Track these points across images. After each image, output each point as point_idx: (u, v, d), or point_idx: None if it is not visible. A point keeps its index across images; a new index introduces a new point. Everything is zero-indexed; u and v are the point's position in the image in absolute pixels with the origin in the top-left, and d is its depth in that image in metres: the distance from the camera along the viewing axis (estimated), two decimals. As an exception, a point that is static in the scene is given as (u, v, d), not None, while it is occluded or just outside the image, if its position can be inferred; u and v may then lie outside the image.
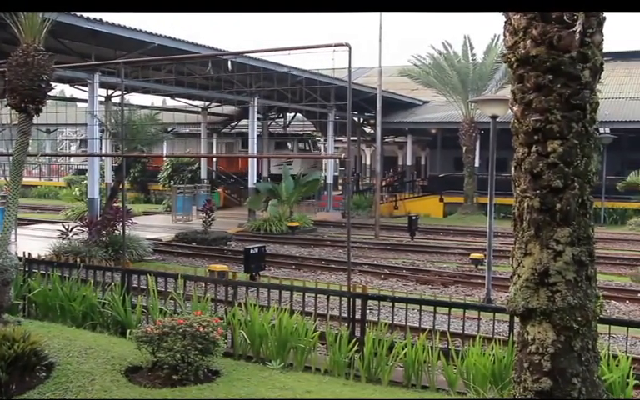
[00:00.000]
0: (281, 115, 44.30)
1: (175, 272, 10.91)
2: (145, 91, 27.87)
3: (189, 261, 20.83)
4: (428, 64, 36.79)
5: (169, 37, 21.00)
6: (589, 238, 5.45)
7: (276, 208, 29.89)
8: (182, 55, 20.30)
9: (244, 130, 40.88)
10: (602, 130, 33.10)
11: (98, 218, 20.49)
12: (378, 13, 28.77)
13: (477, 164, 36.82)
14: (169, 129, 46.30)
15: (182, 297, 10.03)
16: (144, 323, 9.51)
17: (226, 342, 8.82)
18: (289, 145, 43.25)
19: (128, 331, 9.15)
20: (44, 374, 7.52)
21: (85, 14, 17.96)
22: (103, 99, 27.26)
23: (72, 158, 57.59)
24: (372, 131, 38.82)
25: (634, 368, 7.89)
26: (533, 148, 5.31)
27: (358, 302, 9.13)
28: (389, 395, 7.88)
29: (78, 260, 11.61)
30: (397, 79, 40.52)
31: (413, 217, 27.17)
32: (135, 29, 19.98)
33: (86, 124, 21.81)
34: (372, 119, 36.68)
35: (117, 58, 19.41)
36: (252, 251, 16.73)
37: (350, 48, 8.49)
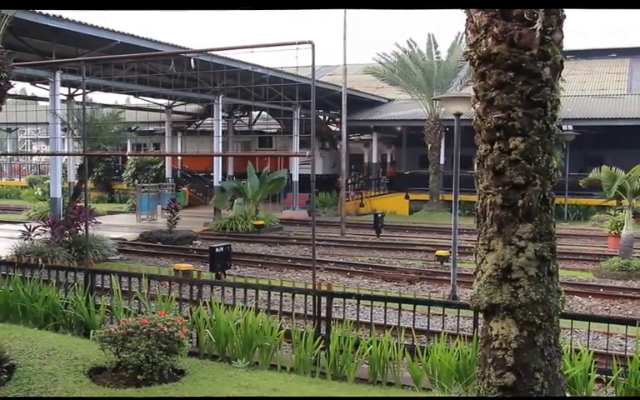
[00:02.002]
0: (246, 113, 44.13)
1: (139, 271, 10.80)
2: (107, 89, 27.47)
3: (154, 260, 20.67)
4: (393, 62, 36.95)
5: (131, 35, 20.77)
6: (551, 234, 5.49)
7: (241, 207, 29.79)
8: (145, 53, 20.10)
9: (209, 128, 40.72)
10: (564, 127, 33.67)
11: (61, 218, 20.21)
12: (343, 11, 28.81)
13: (442, 162, 37.13)
14: (133, 128, 45.85)
15: (147, 297, 9.93)
16: (108, 324, 9.39)
17: (191, 342, 8.76)
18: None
19: (92, 331, 9.05)
20: (5, 376, 7.38)
21: (45, 11, 17.67)
22: (65, 98, 26.87)
23: (34, 158, 56.72)
24: (338, 129, 38.85)
25: (596, 362, 8.00)
26: (495, 145, 5.32)
27: (324, 300, 9.12)
28: (355, 393, 7.90)
29: (40, 260, 11.42)
30: (362, 77, 40.63)
31: (379, 215, 27.29)
32: (97, 27, 19.72)
33: (47, 123, 21.44)
34: (338, 117, 36.73)
35: (78, 56, 19.12)
36: (217, 250, 16.63)
37: (313, 46, 8.46)
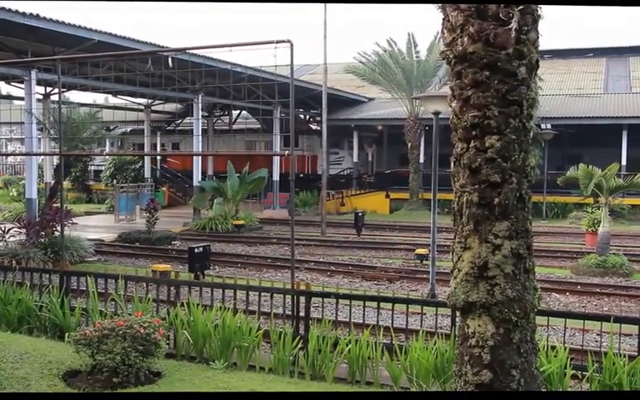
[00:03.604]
0: (226, 112, 43.97)
1: (116, 272, 10.70)
2: (84, 88, 27.24)
3: (132, 261, 20.50)
4: (373, 61, 36.98)
5: (109, 33, 20.60)
6: (527, 232, 5.52)
7: (221, 207, 29.67)
8: (122, 51, 19.95)
9: (189, 128, 40.55)
10: (543, 126, 33.91)
11: (37, 219, 19.98)
12: (323, 11, 28.77)
13: (422, 160, 37.21)
14: (112, 127, 45.54)
15: (123, 299, 9.83)
16: (84, 326, 9.28)
17: (168, 343, 8.70)
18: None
19: (67, 334, 8.93)
20: (-24, 381, 7.27)
21: (21, 9, 17.47)
22: (42, 97, 26.61)
23: (9, 158, 56.10)
24: (319, 128, 38.85)
25: (572, 359, 8.04)
26: (472, 144, 5.35)
27: (302, 299, 9.09)
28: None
29: (14, 262, 11.27)
30: (342, 76, 40.63)
31: (359, 214, 27.30)
32: (74, 25, 19.53)
33: (23, 122, 21.21)
34: (318, 116, 36.73)
35: (55, 55, 18.94)
36: (196, 250, 16.53)
37: (292, 45, 8.44)
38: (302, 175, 40.51)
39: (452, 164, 5.60)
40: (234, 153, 40.09)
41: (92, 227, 28.23)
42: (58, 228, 17.95)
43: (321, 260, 20.74)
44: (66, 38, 19.99)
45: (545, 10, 5.43)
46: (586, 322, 9.22)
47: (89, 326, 8.72)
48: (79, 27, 19.75)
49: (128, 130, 47.83)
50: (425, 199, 34.98)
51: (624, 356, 7.49)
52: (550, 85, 39.31)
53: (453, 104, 5.52)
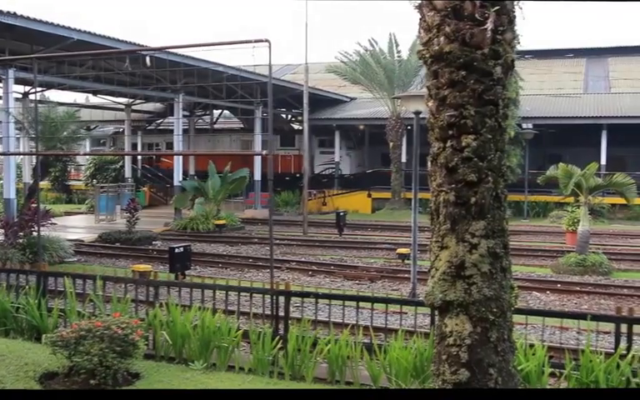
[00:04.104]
0: (207, 112, 43.84)
1: (94, 273, 10.61)
2: (63, 87, 27.05)
3: (113, 262, 20.39)
4: (355, 61, 37.06)
5: (88, 32, 20.47)
6: (503, 231, 5.53)
7: (202, 207, 29.57)
8: (102, 50, 19.81)
9: (171, 127, 40.40)
10: (524, 126, 34.13)
11: (15, 220, 19.79)
12: (305, 10, 28.75)
13: (403, 160, 37.30)
14: (92, 127, 45.24)
15: (102, 299, 9.75)
16: (61, 327, 9.19)
17: (147, 344, 8.63)
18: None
19: (44, 336, 8.84)
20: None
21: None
22: (21, 96, 26.38)
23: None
24: (301, 127, 38.84)
25: (551, 357, 8.09)
26: (448, 143, 5.35)
27: (281, 299, 9.07)
28: (313, 392, 7.85)
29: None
30: (324, 76, 40.65)
31: (341, 214, 27.32)
32: (52, 23, 19.39)
33: (0, 122, 21.01)
34: (300, 116, 36.73)
35: (34, 53, 18.78)
36: (176, 250, 16.47)
37: (270, 44, 8.42)
38: (297, 175, 40.67)
39: (429, 164, 5.60)
40: (216, 153, 39.92)
41: (72, 227, 28.05)
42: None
43: (302, 260, 20.72)
44: (44, 37, 19.85)
45: (526, 11, 5.46)
46: (564, 320, 9.27)
47: (67, 327, 8.64)
48: (58, 25, 19.60)
49: (121, 129, 47.53)
50: (407, 198, 35.11)
51: (601, 353, 7.54)
52: (531, 85, 39.55)
53: (430, 104, 5.52)
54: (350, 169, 42.14)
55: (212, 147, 42.27)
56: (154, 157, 43.66)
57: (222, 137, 44.10)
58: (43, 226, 17.57)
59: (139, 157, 43.77)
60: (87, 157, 43.07)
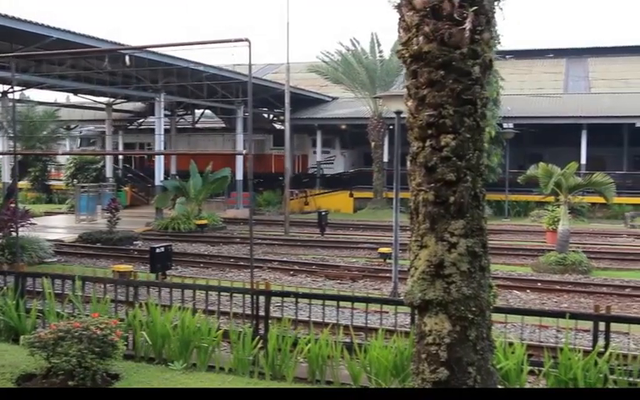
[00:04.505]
0: (189, 111, 43.69)
1: (73, 273, 10.53)
2: (43, 86, 26.82)
3: (93, 262, 20.26)
4: (337, 61, 37.08)
5: (68, 31, 20.30)
6: (482, 230, 5.54)
7: (184, 206, 29.45)
8: (81, 49, 19.65)
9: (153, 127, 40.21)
10: (505, 125, 34.35)
11: (-6, 220, 19.59)
12: (286, 9, 28.74)
13: (385, 159, 37.38)
14: (73, 126, 44.90)
15: (81, 300, 9.68)
16: (40, 328, 9.12)
17: (126, 345, 8.59)
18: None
19: (22, 337, 8.76)
20: None
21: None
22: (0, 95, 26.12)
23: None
24: (283, 127, 38.82)
25: (530, 355, 8.15)
26: (427, 142, 5.36)
27: (262, 299, 9.06)
28: (294, 392, 7.84)
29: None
30: (306, 75, 40.61)
31: (323, 213, 27.33)
32: (31, 22, 19.22)
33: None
34: (282, 115, 36.69)
35: (12, 52, 18.60)
36: (157, 250, 16.39)
37: (250, 44, 8.40)
38: (292, 175, 40.73)
39: (408, 163, 5.62)
40: (196, 153, 39.76)
41: (52, 227, 27.84)
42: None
43: (284, 259, 20.71)
44: (24, 35, 19.69)
45: (506, 11, 5.49)
46: (544, 318, 9.34)
47: (45, 328, 8.56)
48: (37, 24, 19.44)
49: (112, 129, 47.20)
50: (389, 198, 35.14)
51: (580, 351, 7.60)
52: (511, 85, 39.77)
53: (409, 103, 5.53)
54: (345, 168, 42.32)
55: (196, 147, 42.19)
56: (146, 156, 43.48)
57: (205, 136, 43.99)
58: (22, 226, 17.41)
59: (120, 157, 43.53)
60: (68, 156, 42.73)
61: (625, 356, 7.90)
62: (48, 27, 19.74)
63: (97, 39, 21.59)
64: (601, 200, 23.39)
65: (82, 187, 33.24)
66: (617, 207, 31.96)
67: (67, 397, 6.53)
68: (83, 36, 21.01)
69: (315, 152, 42.07)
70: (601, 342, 7.73)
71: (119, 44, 21.95)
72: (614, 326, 8.11)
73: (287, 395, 6.50)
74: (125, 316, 9.27)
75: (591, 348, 7.71)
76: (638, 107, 36.58)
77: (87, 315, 8.49)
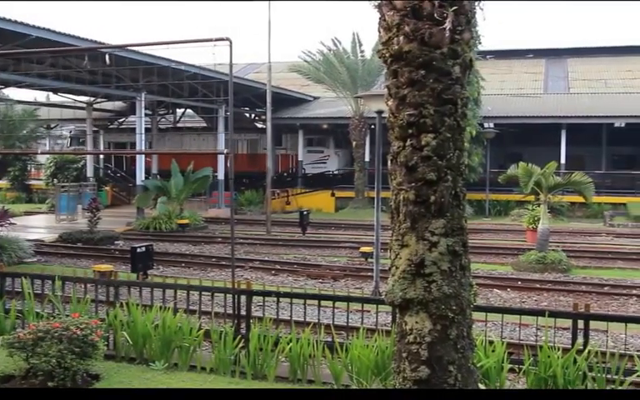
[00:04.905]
0: (170, 111, 43.49)
1: (53, 273, 10.46)
2: (21, 85, 26.56)
3: (74, 262, 20.12)
4: (318, 60, 37.07)
5: (48, 29, 20.12)
6: (462, 229, 5.57)
7: (165, 206, 29.32)
8: (61, 47, 19.48)
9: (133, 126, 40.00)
10: (486, 125, 34.55)
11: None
12: (267, 9, 28.68)
13: (367, 159, 37.46)
14: (52, 125, 44.56)
15: (61, 300, 9.62)
16: (19, 329, 9.04)
17: (107, 345, 8.54)
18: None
19: (0, 338, 8.69)
20: None
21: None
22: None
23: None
24: (264, 126, 38.77)
25: (511, 353, 8.21)
26: (408, 142, 5.38)
27: (243, 298, 9.05)
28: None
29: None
30: (287, 75, 40.60)
31: (304, 213, 27.33)
32: (10, 20, 19.03)
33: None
34: (264, 115, 36.64)
35: (-8, 50, 18.44)
36: (138, 250, 16.30)
37: (231, 43, 8.39)
38: (285, 174, 41.51)
39: (389, 162, 5.64)
40: (178, 152, 39.62)
41: (32, 227, 27.62)
42: (-5, 229, 17.51)
43: (266, 259, 20.69)
44: (2, 33, 19.47)
45: (486, 11, 5.52)
46: (524, 316, 9.40)
47: (24, 328, 8.49)
48: (16, 22, 19.26)
49: (109, 127, 46.84)
50: (370, 197, 35.21)
51: (559, 349, 7.67)
52: (492, 85, 40.03)
53: (390, 103, 5.55)
54: (339, 167, 42.43)
55: (178, 146, 42.07)
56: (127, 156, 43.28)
57: (188, 136, 43.85)
58: (2, 226, 17.26)
59: (101, 157, 43.28)
60: (48, 155, 42.38)
61: (603, 353, 8.00)
62: (28, 25, 19.55)
63: (77, 38, 21.42)
64: (580, 199, 23.58)
65: (63, 186, 32.97)
66: (597, 207, 32.26)
67: (46, 398, 6.50)
68: (63, 34, 20.83)
69: (308, 152, 42.18)
70: (580, 339, 7.80)
71: (99, 43, 21.80)
72: (593, 324, 8.20)
73: (268, 396, 6.50)
74: (106, 316, 9.23)
75: (570, 346, 7.78)
76: (617, 107, 37.05)
77: (68, 315, 8.44)
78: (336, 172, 41.72)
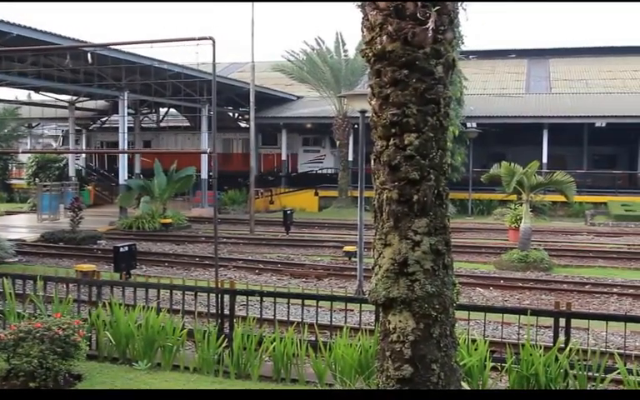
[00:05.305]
0: (153, 110, 43.30)
1: (34, 273, 10.38)
2: (2, 83, 26.29)
3: (56, 262, 19.96)
4: (302, 60, 37.04)
5: (29, 28, 19.93)
6: (445, 228, 5.60)
7: (148, 205, 29.18)
8: (42, 46, 19.31)
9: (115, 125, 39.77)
10: (468, 125, 34.69)
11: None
12: (251, 9, 28.62)
13: (350, 158, 37.50)
14: (34, 124, 44.24)
15: (43, 300, 9.55)
16: (0, 329, 8.97)
17: (89, 345, 8.50)
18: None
19: (-19, 338, 8.60)
20: None
21: None
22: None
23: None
24: (248, 125, 38.71)
25: (493, 351, 8.26)
26: (391, 141, 5.40)
27: (226, 297, 9.03)
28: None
29: None
30: (271, 74, 40.55)
31: (288, 212, 27.31)
32: (-10, 18, 18.87)
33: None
34: (247, 114, 36.58)
35: (-29, 49, 18.24)
36: (121, 249, 16.21)
37: (214, 42, 8.37)
38: (280, 173, 41.31)
39: (372, 162, 5.66)
40: (162, 152, 39.47)
41: (14, 226, 27.42)
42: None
43: (249, 258, 20.65)
44: (-18, 32, 19.30)
45: (469, 12, 5.55)
46: (506, 315, 9.46)
47: (5, 329, 8.43)
48: (-3, 20, 19.09)
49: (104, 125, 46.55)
50: (354, 197, 35.23)
51: (541, 347, 7.73)
52: (475, 85, 40.24)
53: (373, 102, 5.57)
54: (335, 167, 42.53)
55: (162, 145, 41.95)
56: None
57: (172, 135, 43.69)
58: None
59: (83, 156, 43.02)
60: (30, 155, 42.06)
61: (585, 351, 8.07)
62: (8, 23, 19.37)
63: (58, 36, 21.24)
64: (562, 198, 23.75)
65: (45, 185, 32.73)
66: (578, 206, 32.53)
67: (28, 399, 6.45)
68: (45, 33, 20.66)
69: (305, 151, 42.20)
70: (561, 337, 7.87)
71: (81, 42, 21.65)
72: (574, 322, 8.27)
73: (252, 396, 6.49)
74: (88, 316, 9.17)
75: (552, 344, 7.84)
76: (598, 107, 37.35)
77: (49, 315, 8.39)
78: (332, 172, 41.89)
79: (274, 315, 9.24)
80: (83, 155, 44.10)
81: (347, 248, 20.11)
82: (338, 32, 37.31)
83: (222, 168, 36.82)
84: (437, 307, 5.49)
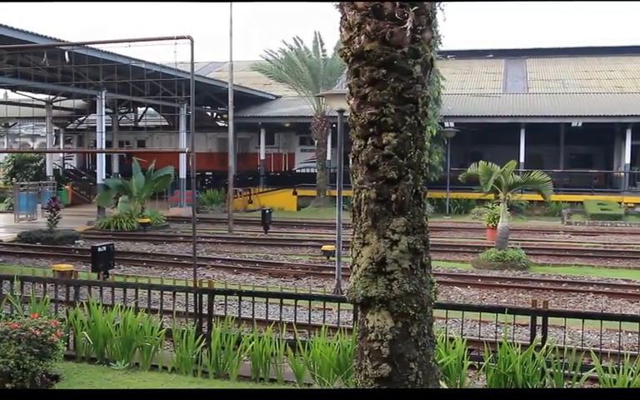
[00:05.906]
0: (132, 109, 43.02)
1: (12, 273, 10.28)
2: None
3: (33, 261, 19.77)
4: (280, 59, 37.02)
5: (5, 26, 19.71)
6: (423, 227, 5.63)
7: (126, 205, 28.99)
8: (18, 44, 19.10)
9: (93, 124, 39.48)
10: (446, 124, 34.87)
11: None
12: (229, 8, 28.53)
13: (328, 158, 37.53)
14: (10, 124, 43.77)
15: (19, 300, 9.46)
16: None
17: (67, 345, 8.44)
18: None
19: (-43, 339, 8.51)
20: None
21: None
22: None
23: None
24: (226, 125, 38.60)
25: (471, 350, 8.32)
26: (369, 141, 5.43)
27: (205, 297, 9.01)
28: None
29: None
30: (249, 74, 40.49)
31: (267, 211, 27.27)
32: (-35, 16, 18.63)
33: None
34: (226, 113, 36.46)
35: (-54, 47, 18.02)
36: (99, 249, 16.08)
37: (192, 41, 8.34)
38: (278, 173, 41.58)
39: (350, 161, 5.68)
40: (140, 152, 39.23)
41: (-11, 227, 27.09)
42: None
43: (228, 257, 20.59)
44: (-43, 30, 19.06)
45: (447, 12, 5.59)
46: (483, 313, 9.53)
47: (-19, 330, 8.34)
48: (-29, 18, 18.84)
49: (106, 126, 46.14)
50: (332, 196, 35.29)
51: (518, 345, 7.80)
52: (452, 84, 40.43)
53: (351, 102, 5.60)
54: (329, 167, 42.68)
55: (159, 144, 41.80)
56: (124, 155, 42.76)
57: (151, 135, 43.44)
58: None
59: (61, 155, 42.67)
60: (6, 154, 41.66)
61: (561, 349, 8.16)
62: (-17, 21, 19.18)
63: (35, 35, 21.04)
64: (539, 197, 23.96)
65: (22, 185, 32.40)
66: (555, 205, 32.81)
67: (4, 400, 6.40)
68: (21, 31, 20.44)
69: (302, 151, 42.20)
70: (538, 335, 7.94)
71: (58, 40, 21.46)
72: (551, 320, 8.34)
73: (230, 395, 6.49)
74: (66, 316, 9.11)
75: (529, 342, 7.91)
76: (574, 107, 37.71)
77: (26, 315, 8.31)
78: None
79: (252, 314, 9.23)
80: (61, 155, 43.70)
81: (326, 247, 20.13)
82: (317, 31, 37.48)
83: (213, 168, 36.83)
84: (415, 305, 5.52)
